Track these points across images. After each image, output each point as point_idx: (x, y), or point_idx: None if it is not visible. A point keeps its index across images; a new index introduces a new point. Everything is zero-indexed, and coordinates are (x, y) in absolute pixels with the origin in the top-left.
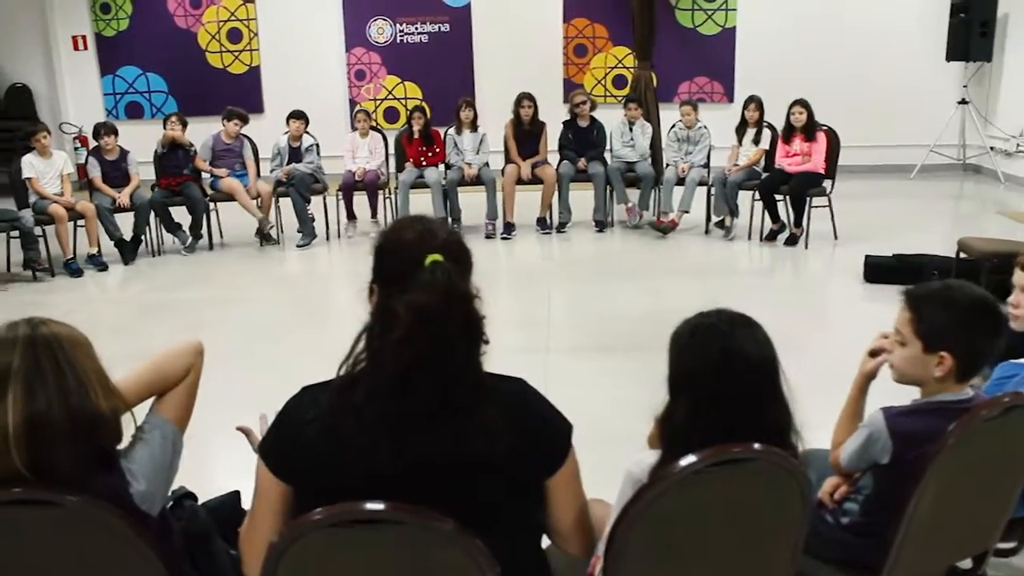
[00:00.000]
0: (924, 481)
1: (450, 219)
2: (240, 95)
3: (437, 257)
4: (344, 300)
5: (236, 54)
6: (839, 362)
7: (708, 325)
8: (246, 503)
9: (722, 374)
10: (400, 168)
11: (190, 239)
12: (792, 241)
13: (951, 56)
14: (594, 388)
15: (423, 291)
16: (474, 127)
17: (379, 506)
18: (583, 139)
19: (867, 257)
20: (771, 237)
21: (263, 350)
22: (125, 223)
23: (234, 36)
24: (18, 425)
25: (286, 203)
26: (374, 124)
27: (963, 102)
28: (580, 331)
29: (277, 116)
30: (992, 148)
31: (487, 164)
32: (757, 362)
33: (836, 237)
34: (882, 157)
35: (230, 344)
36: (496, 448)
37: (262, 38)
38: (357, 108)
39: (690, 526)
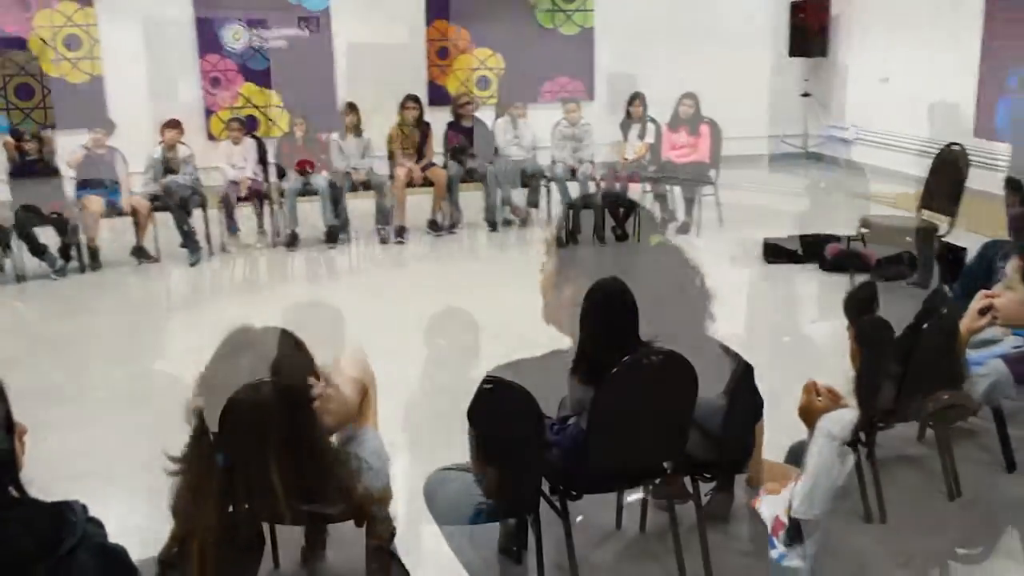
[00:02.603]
0: None
1: (340, 225)
2: (82, 106)
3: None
4: (238, 316)
5: (75, 62)
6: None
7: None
8: None
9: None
10: (281, 175)
11: (60, 262)
12: (684, 230)
13: (793, 52)
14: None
15: None
16: (358, 131)
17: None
18: (469, 139)
19: (766, 240)
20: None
21: (165, 380)
22: None
23: (72, 43)
24: None
25: (163, 218)
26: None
27: (805, 95)
28: (508, 335)
29: (126, 128)
30: (832, 137)
31: (372, 168)
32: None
33: (722, 223)
34: (735, 148)
35: (131, 377)
36: None
37: (105, 45)
38: (231, 116)
39: None
